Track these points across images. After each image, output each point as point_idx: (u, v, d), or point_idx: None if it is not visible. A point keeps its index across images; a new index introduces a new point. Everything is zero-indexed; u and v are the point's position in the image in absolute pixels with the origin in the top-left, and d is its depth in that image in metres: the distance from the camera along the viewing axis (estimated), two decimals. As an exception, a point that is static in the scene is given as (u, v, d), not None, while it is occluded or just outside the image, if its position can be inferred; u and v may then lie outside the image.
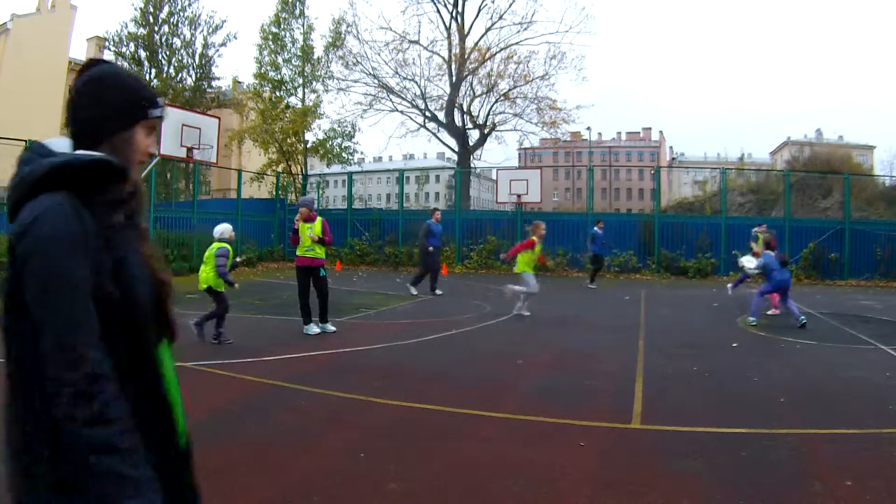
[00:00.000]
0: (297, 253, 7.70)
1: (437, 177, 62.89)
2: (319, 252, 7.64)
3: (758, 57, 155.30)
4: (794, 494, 3.66)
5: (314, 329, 7.68)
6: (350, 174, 24.01)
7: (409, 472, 3.62)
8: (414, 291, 12.27)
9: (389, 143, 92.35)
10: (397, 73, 25.35)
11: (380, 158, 53.16)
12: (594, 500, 3.39)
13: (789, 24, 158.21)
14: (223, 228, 7.20)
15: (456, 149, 26.12)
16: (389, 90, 25.57)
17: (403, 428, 4.46)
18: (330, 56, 24.84)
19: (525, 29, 24.89)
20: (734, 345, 8.00)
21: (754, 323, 9.76)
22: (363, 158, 32.05)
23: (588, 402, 5.32)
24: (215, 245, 7.09)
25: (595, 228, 15.72)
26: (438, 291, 12.50)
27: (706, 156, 73.32)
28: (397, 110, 26.18)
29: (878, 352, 8.02)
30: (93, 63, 1.31)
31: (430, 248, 12.70)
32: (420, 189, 47.08)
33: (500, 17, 24.81)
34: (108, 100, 1.26)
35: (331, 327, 7.89)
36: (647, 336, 8.50)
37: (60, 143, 1.23)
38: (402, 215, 21.13)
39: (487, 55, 24.85)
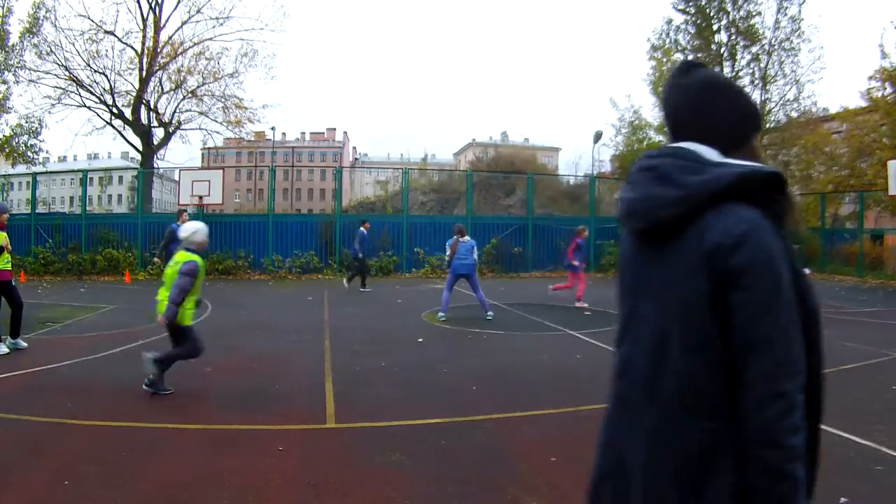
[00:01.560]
0: (2, 266, 9.07)
1: (121, 178, 75.62)
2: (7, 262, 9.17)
3: (444, 61, 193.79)
4: (501, 475, 4.76)
5: (4, 349, 8.94)
6: (35, 175, 27.77)
7: (117, 496, 4.37)
8: (369, 289, 17.42)
9: (75, 142, 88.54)
10: (89, 65, 30.16)
11: (64, 158, 59.75)
12: (304, 505, 4.27)
13: (475, 29, 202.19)
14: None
15: (140, 148, 31.53)
16: (79, 84, 30.26)
17: (103, 448, 5.32)
18: (25, 43, 29.03)
19: (221, 24, 31.82)
20: (420, 339, 10.58)
21: (444, 317, 12.80)
22: (48, 158, 37.05)
23: (281, 405, 6.64)
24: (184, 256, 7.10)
25: (361, 229, 19.74)
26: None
27: (390, 156, 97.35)
28: (85, 105, 30.96)
29: (567, 336, 11.18)
30: (693, 65, 1.87)
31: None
32: (103, 191, 53.40)
33: (199, 11, 31.02)
34: (744, 105, 1.81)
35: (22, 343, 9.29)
36: (333, 336, 10.82)
37: (706, 150, 1.74)
38: (85, 219, 24.92)
39: (180, 50, 31.00)
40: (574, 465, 4.94)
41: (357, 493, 4.43)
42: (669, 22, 33.14)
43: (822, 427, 5.05)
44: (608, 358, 6.45)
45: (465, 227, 13.90)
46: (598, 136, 35.31)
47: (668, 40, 33.00)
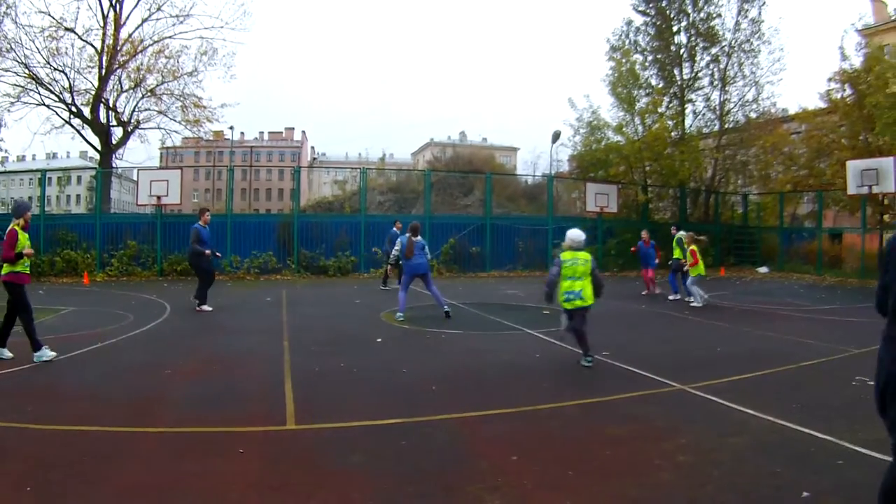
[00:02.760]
0: (21, 269, 8.94)
1: (80, 178, 78.32)
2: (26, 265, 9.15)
3: (402, 60, 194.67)
4: (462, 474, 4.79)
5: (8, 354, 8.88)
6: None
7: (78, 502, 4.39)
8: (207, 308, 14.39)
9: (34, 141, 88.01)
10: (49, 62, 30.08)
11: (23, 157, 60.15)
12: (267, 506, 4.37)
13: (433, 28, 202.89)
14: None
15: (99, 147, 31.65)
16: (39, 81, 30.22)
17: (65, 453, 5.29)
18: None
19: (181, 22, 31.92)
20: (378, 340, 10.71)
21: (402, 318, 12.87)
22: (7, 157, 38.01)
23: (240, 407, 6.72)
24: None
25: (393, 229, 20.09)
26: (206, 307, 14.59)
27: (348, 156, 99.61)
28: (45, 104, 30.90)
29: (525, 335, 11.44)
30: None
31: (207, 253, 15.19)
32: (62, 191, 55.22)
33: (159, 9, 31.27)
34: None
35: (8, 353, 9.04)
36: (292, 336, 10.91)
37: None
38: (43, 220, 24.65)
39: (140, 48, 31.22)
40: (535, 463, 5.04)
41: (319, 494, 4.49)
42: (629, 23, 33.74)
43: (782, 423, 5.28)
44: (566, 357, 7.57)
45: (420, 227, 14.01)
46: (556, 136, 35.58)
47: (627, 41, 33.48)
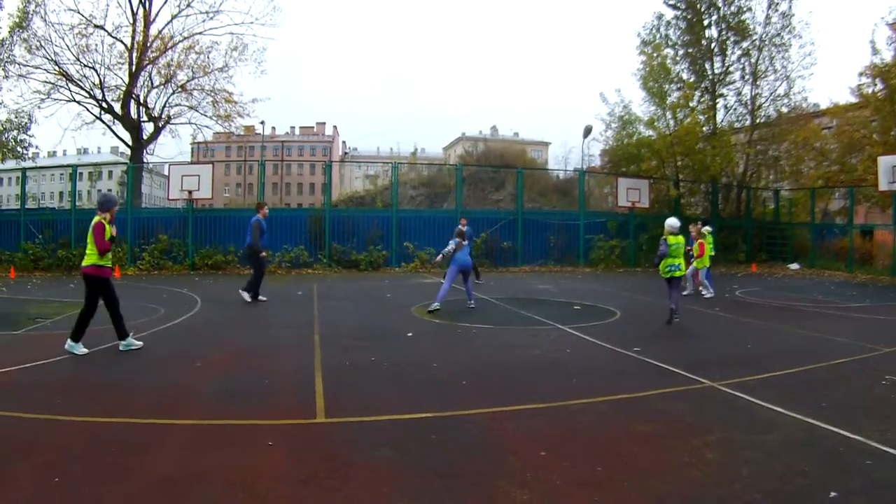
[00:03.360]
0: (105, 262, 9.13)
1: (111, 173, 79.44)
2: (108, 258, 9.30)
3: (434, 54, 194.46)
4: (491, 469, 4.81)
5: (82, 349, 8.96)
6: (24, 170, 28.08)
7: (105, 494, 4.40)
8: (247, 298, 14.95)
9: (65, 137, 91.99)
10: (79, 59, 30.71)
11: (54, 153, 60.47)
12: (293, 500, 4.35)
13: (465, 22, 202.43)
14: None
15: (130, 143, 32.25)
16: (69, 78, 30.74)
17: (93, 445, 5.36)
18: (14, 38, 29.68)
19: (211, 18, 32.52)
20: (409, 334, 10.81)
21: (438, 308, 13.24)
22: (38, 153, 37.48)
23: (270, 400, 6.74)
24: None
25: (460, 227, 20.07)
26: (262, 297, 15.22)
27: (379, 150, 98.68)
28: (75, 100, 31.53)
29: (556, 331, 11.34)
30: None
31: (263, 253, 15.69)
32: (93, 186, 54.67)
33: (189, 5, 31.90)
34: None
35: (136, 342, 9.49)
36: (323, 330, 10.99)
37: None
38: (74, 214, 25.19)
39: (170, 44, 31.74)
40: (563, 459, 5.05)
41: (347, 487, 4.50)
42: (660, 17, 33.56)
43: (811, 422, 5.31)
44: (596, 352, 7.56)
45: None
46: (587, 131, 35.53)
47: (658, 35, 33.30)
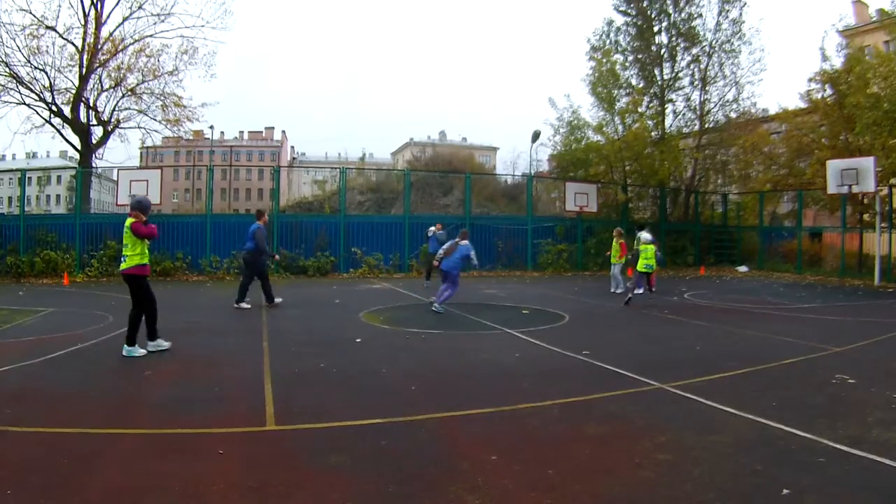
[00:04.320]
0: (146, 260, 9.59)
1: (59, 177, 79.75)
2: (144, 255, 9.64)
3: (382, 58, 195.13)
4: (443, 474, 4.81)
5: (141, 350, 9.40)
6: None
7: None
8: (246, 305, 15.17)
9: (14, 140, 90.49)
10: (29, 61, 30.22)
11: (3, 157, 61.52)
12: (246, 508, 4.38)
13: (414, 27, 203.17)
14: None
15: (79, 147, 31.76)
16: (19, 80, 30.25)
17: (45, 456, 5.32)
18: None
19: (162, 21, 32.16)
20: (358, 340, 10.77)
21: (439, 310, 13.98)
22: None
23: (220, 408, 6.76)
24: None
25: (432, 229, 21.41)
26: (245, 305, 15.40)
27: (328, 155, 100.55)
28: (25, 103, 30.92)
29: (505, 335, 11.42)
30: None
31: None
32: (41, 191, 56.77)
33: (140, 7, 31.51)
34: None
35: (164, 343, 9.82)
36: (272, 337, 11.00)
37: None
38: (23, 220, 24.80)
39: (121, 46, 31.35)
40: (515, 462, 5.07)
41: (299, 495, 4.52)
42: (610, 23, 34.13)
43: (763, 421, 5.39)
44: (545, 356, 7.56)
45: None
46: (536, 136, 35.78)
47: (608, 41, 33.86)
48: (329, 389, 7.48)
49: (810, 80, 29.79)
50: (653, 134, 32.48)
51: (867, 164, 23.34)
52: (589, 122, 32.40)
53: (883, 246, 24.87)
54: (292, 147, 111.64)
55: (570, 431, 5.92)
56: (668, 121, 33.69)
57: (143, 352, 9.29)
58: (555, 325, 12.56)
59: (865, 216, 28.03)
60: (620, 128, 31.85)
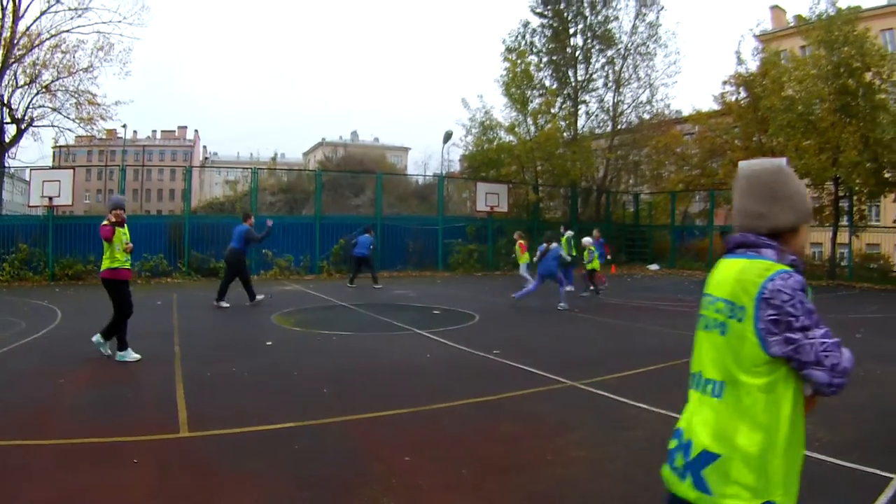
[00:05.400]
0: (120, 265, 9.57)
1: None
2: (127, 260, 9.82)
3: (294, 57, 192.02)
4: (357, 477, 4.79)
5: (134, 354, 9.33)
6: None
7: None
8: (225, 305, 15.39)
9: None
10: None
11: None
12: (163, 518, 4.35)
13: (326, 25, 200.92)
14: None
15: None
16: None
17: None
18: None
19: (80, 15, 31.12)
20: (268, 343, 10.65)
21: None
22: None
23: (134, 416, 6.64)
24: None
25: (365, 234, 21.67)
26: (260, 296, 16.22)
27: (240, 155, 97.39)
28: None
29: (416, 336, 11.46)
30: None
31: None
32: None
33: (58, 1, 30.36)
34: None
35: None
36: (183, 341, 10.83)
37: None
38: None
39: (37, 41, 30.39)
40: (428, 462, 5.08)
41: (215, 501, 4.51)
42: (526, 24, 34.60)
43: (675, 416, 5.45)
44: (456, 356, 7.59)
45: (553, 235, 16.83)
46: (448, 136, 35.97)
47: (523, 42, 34.23)
48: (241, 393, 7.39)
49: (725, 82, 31.09)
50: (565, 135, 33.07)
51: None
52: (501, 123, 32.76)
53: None
54: (205, 147, 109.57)
55: (482, 430, 5.95)
56: (580, 122, 34.50)
57: (136, 356, 9.22)
58: (465, 325, 12.64)
59: (778, 215, 29.22)
60: (533, 128, 32.26)
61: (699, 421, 2.24)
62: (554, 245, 15.79)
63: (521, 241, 19.61)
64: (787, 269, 2.07)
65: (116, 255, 9.48)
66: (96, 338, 9.49)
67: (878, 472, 4.90)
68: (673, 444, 2.41)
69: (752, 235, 2.27)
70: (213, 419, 6.34)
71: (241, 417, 6.36)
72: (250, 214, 17.31)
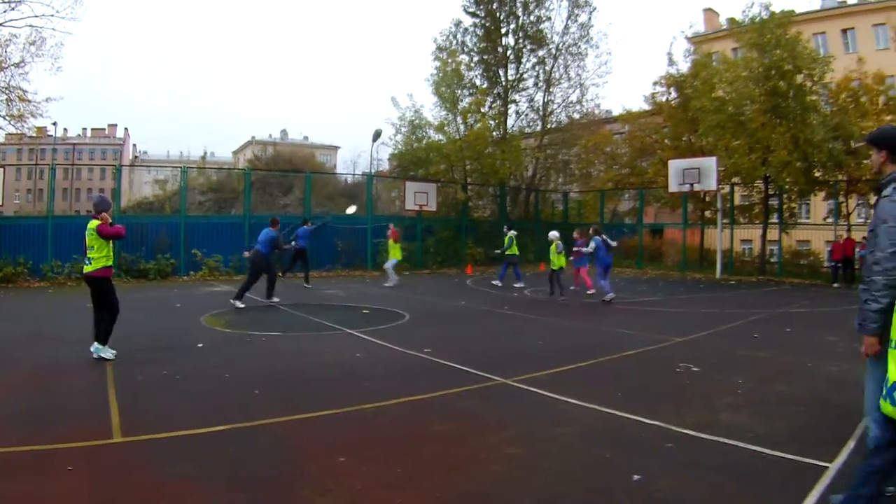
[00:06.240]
0: (111, 263, 9.68)
1: None
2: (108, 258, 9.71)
3: (223, 53, 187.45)
4: (292, 479, 4.74)
5: (109, 353, 9.34)
6: None
7: None
8: (240, 305, 15.42)
9: None
10: None
11: None
12: (101, 525, 4.28)
13: (256, 22, 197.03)
14: None
15: None
16: None
17: None
18: None
19: (13, 9, 30.21)
20: (200, 345, 10.50)
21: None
22: None
23: (66, 422, 6.40)
24: None
25: (304, 227, 22.00)
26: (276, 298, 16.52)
27: (169, 154, 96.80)
28: None
29: (346, 335, 11.42)
30: None
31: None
32: None
33: None
34: None
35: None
36: (114, 344, 10.18)
37: None
38: None
39: None
40: (363, 463, 5.05)
41: None
42: (458, 24, 34.94)
43: (609, 411, 5.52)
44: (388, 355, 7.62)
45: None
46: (377, 135, 35.90)
47: (455, 42, 34.60)
48: (174, 397, 7.25)
49: (656, 83, 31.97)
50: (494, 134, 33.34)
51: (709, 163, 25.23)
52: (431, 122, 32.89)
53: (724, 241, 26.87)
54: (134, 145, 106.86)
55: (416, 429, 5.94)
56: (510, 121, 34.98)
57: (112, 353, 9.22)
58: (395, 324, 12.66)
59: (707, 213, 30.07)
60: (462, 127, 32.53)
61: None
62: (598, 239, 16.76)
63: (397, 240, 20.41)
64: None
65: (111, 253, 9.57)
66: (94, 347, 9.33)
67: (814, 461, 5.03)
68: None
69: None
70: (147, 424, 6.19)
71: (174, 421, 6.23)
72: (277, 220, 17.40)
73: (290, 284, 20.53)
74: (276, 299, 16.24)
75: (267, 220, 21.13)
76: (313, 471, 4.90)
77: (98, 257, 9.36)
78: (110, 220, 9.54)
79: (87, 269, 9.41)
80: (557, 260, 17.75)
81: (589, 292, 18.72)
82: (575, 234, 19.36)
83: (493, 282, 20.36)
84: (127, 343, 10.55)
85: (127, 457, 5.40)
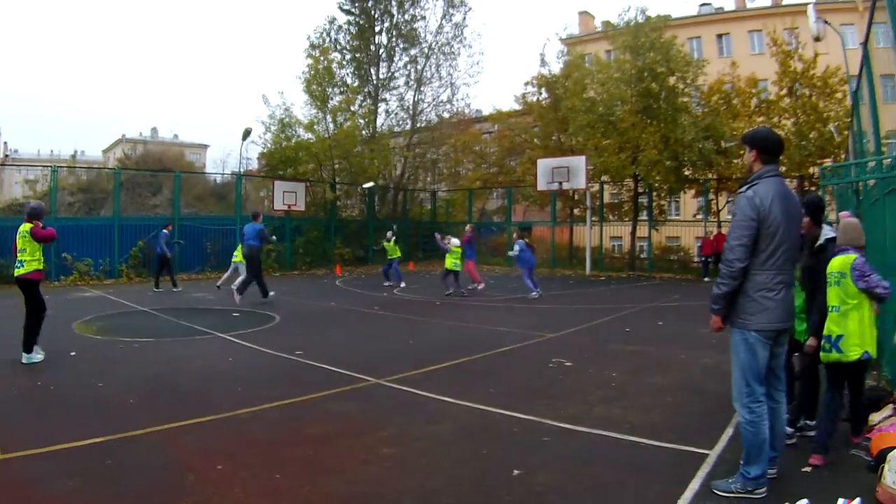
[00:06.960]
0: (41, 266, 9.91)
1: None
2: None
3: (95, 48, 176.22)
4: (172, 489, 4.62)
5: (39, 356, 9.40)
6: None
7: None
8: (237, 298, 16.14)
9: None
10: None
11: None
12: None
13: (125, 17, 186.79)
14: None
15: None
16: None
17: None
18: None
19: None
20: (72, 353, 10.01)
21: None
22: None
23: None
24: None
25: (164, 231, 21.40)
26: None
27: (40, 153, 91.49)
28: None
29: (217, 340, 11.23)
30: None
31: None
32: None
33: None
34: None
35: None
36: None
37: None
38: None
39: None
40: (241, 469, 5.00)
41: None
42: (332, 21, 34.87)
43: (483, 408, 5.70)
44: (259, 359, 7.78)
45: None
46: (246, 134, 35.14)
47: (328, 39, 34.38)
48: (49, 409, 6.91)
49: (527, 83, 32.62)
50: (364, 133, 33.34)
51: (578, 162, 26.01)
52: (301, 121, 32.58)
53: (593, 238, 27.83)
54: (5, 143, 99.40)
55: (291, 433, 5.94)
56: (380, 120, 35.07)
57: (41, 356, 9.26)
58: (266, 327, 12.56)
59: (576, 211, 30.99)
60: (332, 126, 32.30)
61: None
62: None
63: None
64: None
65: (41, 256, 9.75)
66: (25, 358, 9.21)
67: (693, 449, 5.36)
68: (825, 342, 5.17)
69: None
70: (22, 439, 5.87)
71: (50, 435, 5.92)
72: (259, 213, 18.11)
73: (162, 289, 20.00)
74: (272, 293, 16.88)
75: (138, 221, 20.56)
76: (192, 480, 4.81)
77: (31, 260, 9.52)
78: (41, 224, 9.63)
79: (18, 271, 9.54)
80: (450, 259, 18.00)
81: (479, 287, 18.99)
82: (467, 229, 20.12)
83: (392, 288, 20.56)
84: (-1, 353, 9.98)
85: (7, 473, 5.11)
